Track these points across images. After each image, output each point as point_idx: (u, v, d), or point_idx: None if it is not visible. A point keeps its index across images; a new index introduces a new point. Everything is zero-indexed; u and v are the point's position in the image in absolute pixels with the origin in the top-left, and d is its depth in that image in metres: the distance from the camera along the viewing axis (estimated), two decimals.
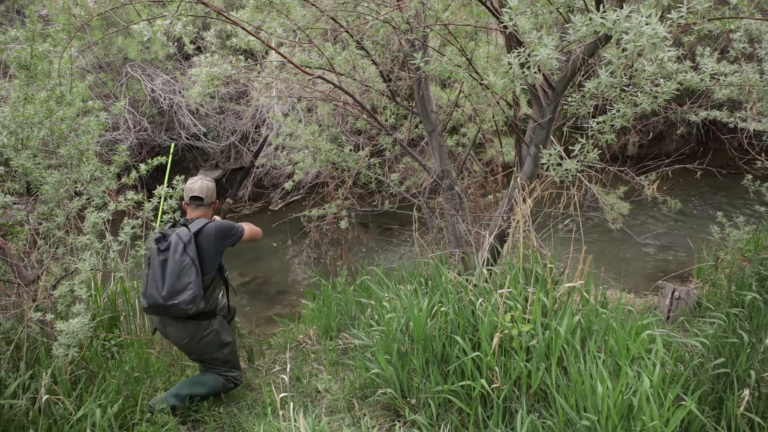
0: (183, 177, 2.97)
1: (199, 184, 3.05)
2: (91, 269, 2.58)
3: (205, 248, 2.88)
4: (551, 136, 3.03)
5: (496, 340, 2.50)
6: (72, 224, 3.09)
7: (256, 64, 3.72)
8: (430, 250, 3.79)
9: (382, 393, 2.79)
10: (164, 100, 7.82)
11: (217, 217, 3.21)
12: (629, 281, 5.40)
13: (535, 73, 1.99)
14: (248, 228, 3.14)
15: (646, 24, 1.69)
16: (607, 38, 2.38)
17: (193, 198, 3.03)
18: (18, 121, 2.59)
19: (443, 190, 3.73)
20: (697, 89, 2.76)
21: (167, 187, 2.93)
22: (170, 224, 2.96)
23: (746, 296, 3.09)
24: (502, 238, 3.31)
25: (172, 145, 3.70)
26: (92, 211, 2.74)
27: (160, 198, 3.00)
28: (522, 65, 2.03)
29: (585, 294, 2.87)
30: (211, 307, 2.98)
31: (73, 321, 2.40)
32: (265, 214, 8.26)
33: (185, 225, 2.92)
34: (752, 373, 2.45)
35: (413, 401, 2.70)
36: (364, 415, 2.77)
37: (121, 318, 3.78)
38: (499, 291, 2.72)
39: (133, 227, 2.81)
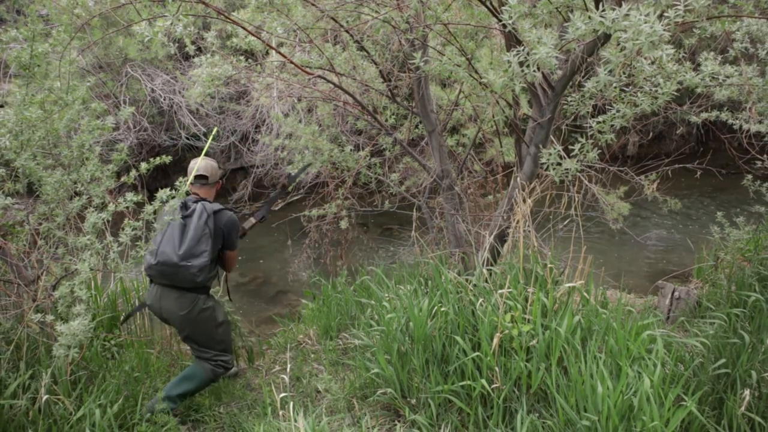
0: (186, 179, 2.98)
1: (203, 163, 3.11)
2: (91, 270, 2.57)
3: (214, 229, 2.96)
4: (551, 136, 3.02)
5: (496, 340, 2.50)
6: (72, 224, 3.09)
7: (256, 65, 3.72)
8: (430, 250, 3.79)
9: (382, 393, 2.79)
10: (164, 100, 7.82)
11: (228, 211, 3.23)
12: (629, 281, 5.40)
13: (534, 71, 1.99)
14: (234, 254, 3.16)
15: (645, 22, 1.69)
16: (607, 37, 2.38)
17: (198, 176, 3.09)
18: (14, 120, 2.59)
19: (443, 190, 3.73)
20: (697, 90, 2.76)
21: (169, 188, 2.91)
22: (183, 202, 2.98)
23: (748, 297, 3.09)
24: (502, 238, 3.30)
25: (215, 129, 3.74)
26: (92, 212, 2.74)
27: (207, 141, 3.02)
28: (521, 64, 2.03)
29: (585, 294, 2.86)
30: (210, 283, 3.01)
31: (74, 323, 2.40)
32: None
33: (201, 202, 2.98)
34: (753, 373, 2.45)
35: (413, 401, 2.70)
36: (364, 415, 2.77)
37: (121, 318, 3.78)
38: (499, 291, 2.72)
39: (134, 228, 2.81)
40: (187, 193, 3.05)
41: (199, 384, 3.01)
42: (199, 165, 3.11)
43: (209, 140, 3.44)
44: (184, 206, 2.93)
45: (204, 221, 2.90)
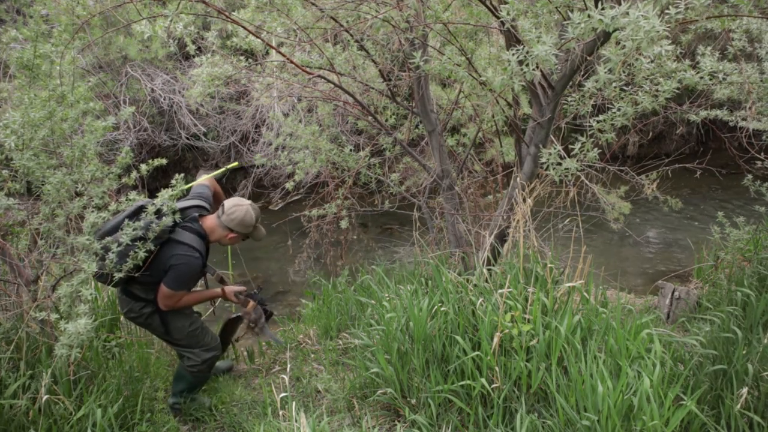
0: (183, 176, 2.96)
1: (238, 206, 2.91)
2: (97, 271, 2.58)
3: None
4: (551, 136, 3.03)
5: (496, 340, 2.50)
6: (73, 224, 3.09)
7: (256, 65, 3.72)
8: (430, 250, 3.79)
9: (382, 393, 2.78)
10: (164, 100, 7.82)
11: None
12: (629, 281, 5.40)
13: (533, 70, 1.99)
14: (182, 299, 2.90)
15: (644, 19, 1.69)
16: (606, 36, 2.38)
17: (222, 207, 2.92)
18: (21, 122, 2.59)
19: (443, 190, 3.73)
20: (696, 89, 2.75)
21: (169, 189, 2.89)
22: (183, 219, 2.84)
23: (748, 297, 3.09)
24: (502, 237, 3.31)
25: (235, 162, 3.58)
26: (92, 211, 2.74)
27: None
28: (520, 62, 2.03)
29: (585, 294, 2.86)
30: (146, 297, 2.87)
31: (80, 322, 2.40)
32: (265, 213, 8.26)
33: (188, 226, 2.84)
34: (749, 368, 2.45)
35: (413, 401, 2.70)
36: (365, 414, 2.77)
37: (122, 318, 3.78)
38: (499, 291, 2.72)
39: (134, 229, 2.80)
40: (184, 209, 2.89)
41: (187, 384, 3.01)
42: (231, 201, 2.91)
43: (229, 166, 3.27)
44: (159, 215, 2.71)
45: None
